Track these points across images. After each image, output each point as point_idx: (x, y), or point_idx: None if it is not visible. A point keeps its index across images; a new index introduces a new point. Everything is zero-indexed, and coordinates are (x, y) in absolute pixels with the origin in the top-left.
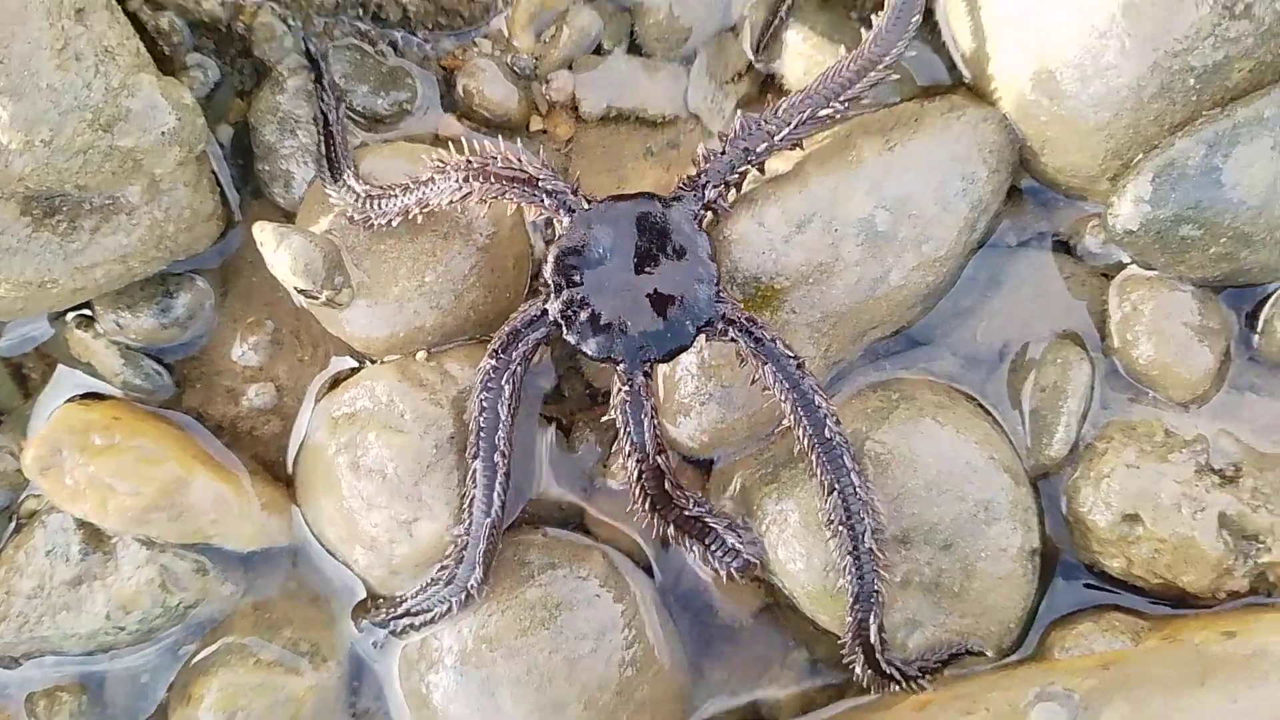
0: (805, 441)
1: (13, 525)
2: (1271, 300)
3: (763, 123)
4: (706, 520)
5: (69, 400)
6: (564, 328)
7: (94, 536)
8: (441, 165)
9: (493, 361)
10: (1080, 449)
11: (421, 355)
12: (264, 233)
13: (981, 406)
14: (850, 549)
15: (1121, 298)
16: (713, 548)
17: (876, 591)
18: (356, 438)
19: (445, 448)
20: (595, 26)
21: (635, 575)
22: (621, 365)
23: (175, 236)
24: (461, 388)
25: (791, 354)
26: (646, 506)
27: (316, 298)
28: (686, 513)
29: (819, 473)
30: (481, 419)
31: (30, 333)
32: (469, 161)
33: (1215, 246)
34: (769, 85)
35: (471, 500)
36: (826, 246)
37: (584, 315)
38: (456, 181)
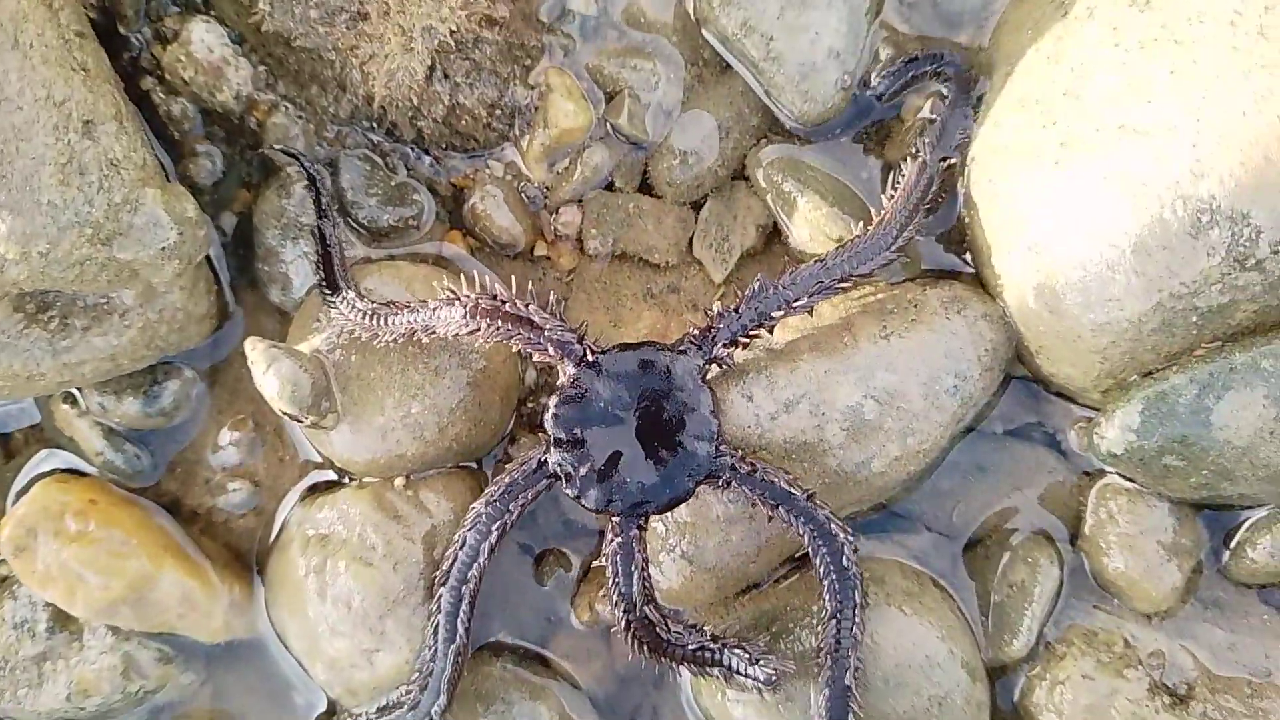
0: (820, 569)
1: None
2: (1246, 525)
3: (780, 288)
4: (713, 651)
5: (49, 475)
6: (563, 480)
7: (62, 616)
8: (453, 296)
9: (486, 509)
10: (1040, 646)
11: (399, 482)
12: (255, 352)
13: (949, 593)
14: (830, 679)
15: (1099, 503)
16: (733, 671)
17: None
18: (327, 564)
19: (413, 584)
20: (608, 165)
21: (587, 717)
22: (617, 517)
23: (167, 336)
24: (435, 522)
25: (800, 490)
26: (644, 652)
27: (301, 421)
28: (691, 648)
29: (826, 599)
30: (461, 553)
31: (14, 409)
32: (479, 299)
33: (1196, 477)
34: (774, 238)
35: (437, 627)
36: (812, 428)
37: (584, 469)
38: (464, 315)
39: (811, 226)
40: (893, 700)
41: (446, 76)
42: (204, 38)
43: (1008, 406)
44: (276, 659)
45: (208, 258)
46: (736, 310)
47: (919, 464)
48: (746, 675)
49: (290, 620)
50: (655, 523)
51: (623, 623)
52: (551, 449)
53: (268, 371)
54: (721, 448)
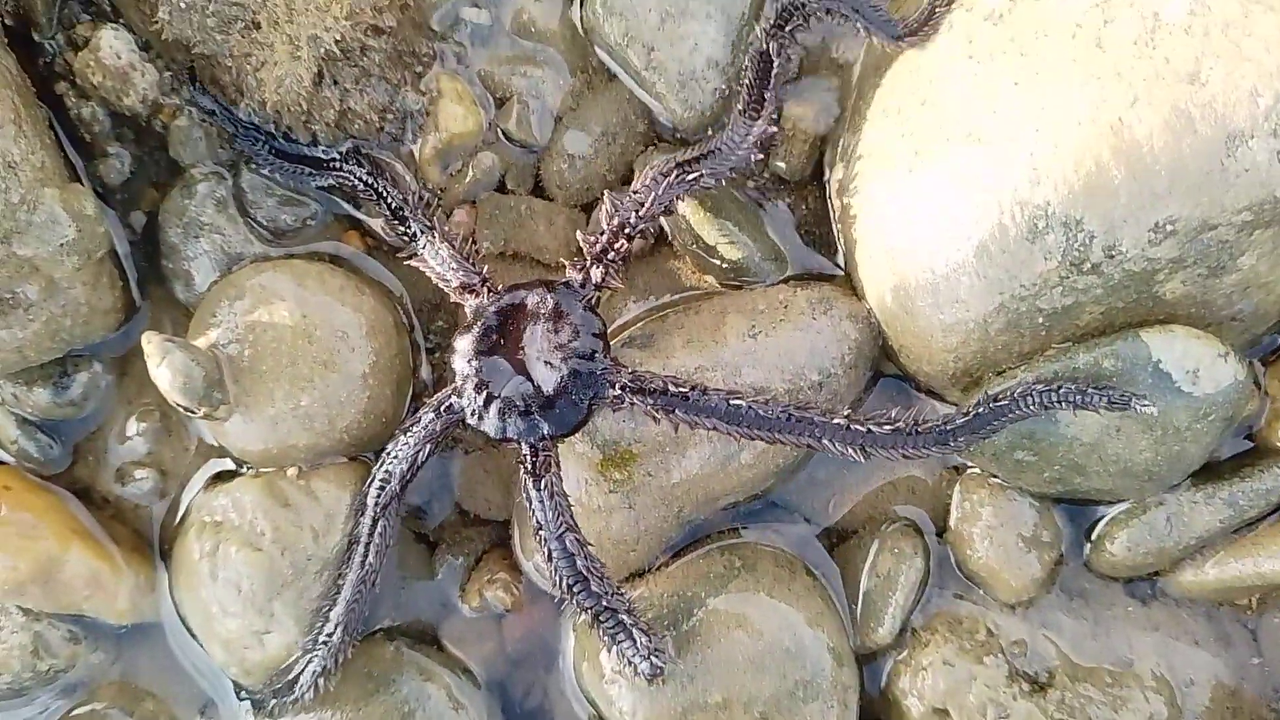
0: (755, 436)
1: None
2: (1105, 520)
3: (630, 195)
4: (621, 615)
5: None
6: (466, 411)
7: None
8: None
9: (404, 439)
10: (908, 633)
11: (292, 472)
12: (150, 345)
13: (820, 580)
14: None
15: (964, 496)
16: (623, 646)
17: None
18: (220, 548)
19: (301, 568)
20: (499, 168)
21: (475, 698)
22: (522, 444)
23: (72, 329)
24: (325, 511)
25: (686, 387)
26: (563, 588)
27: (194, 413)
28: (604, 602)
29: (795, 443)
30: (373, 490)
31: None
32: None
33: (1049, 471)
34: (661, 240)
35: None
36: None
37: (481, 398)
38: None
39: (688, 231)
40: (759, 681)
41: (336, 83)
42: (113, 44)
43: (879, 402)
44: (183, 640)
45: (114, 254)
46: (602, 232)
47: (787, 456)
48: (632, 661)
49: (189, 601)
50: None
51: (546, 553)
52: (460, 383)
53: (161, 364)
54: (609, 368)
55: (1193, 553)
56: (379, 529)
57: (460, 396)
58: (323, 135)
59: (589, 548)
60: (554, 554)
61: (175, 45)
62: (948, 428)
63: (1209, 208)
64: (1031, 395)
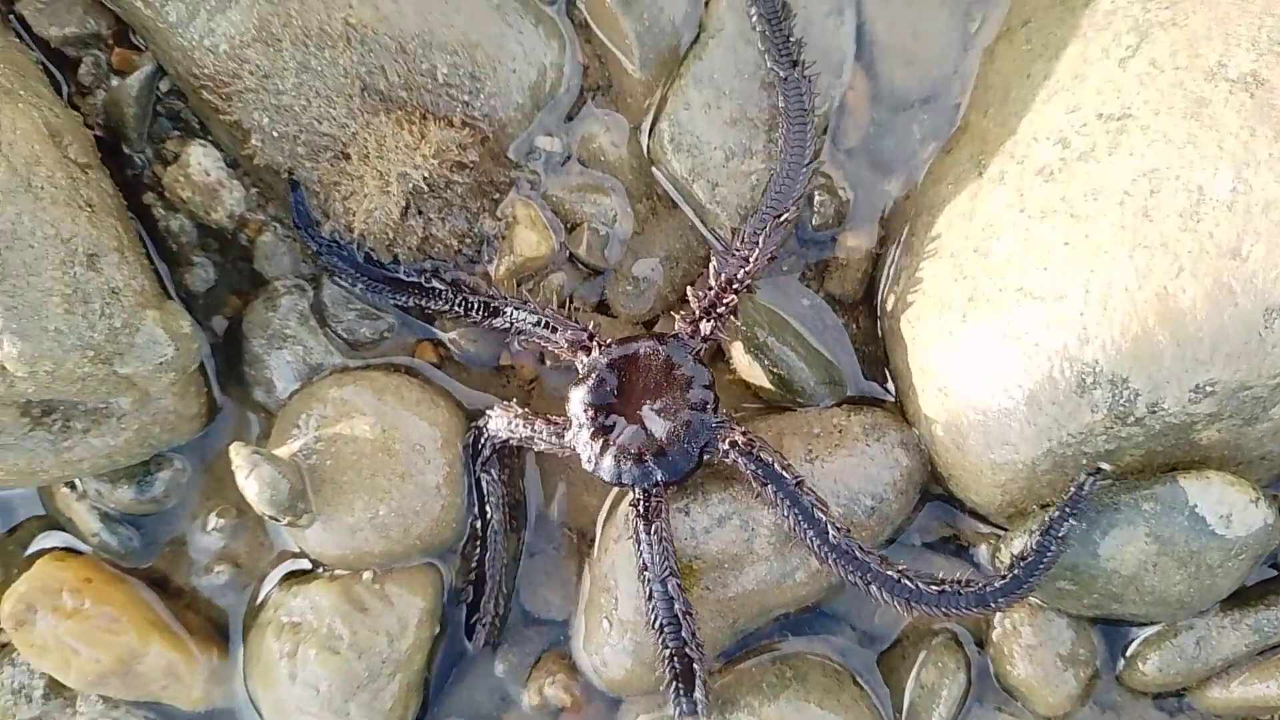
0: (816, 552)
1: None
2: (1138, 641)
3: (735, 251)
4: (695, 663)
5: (48, 552)
6: (583, 457)
7: (57, 683)
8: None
9: (516, 425)
10: None
11: (368, 576)
12: (238, 457)
13: (866, 690)
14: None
15: (1004, 615)
16: (680, 689)
17: None
18: (298, 649)
19: (376, 671)
20: (569, 288)
21: None
22: (633, 489)
23: (159, 435)
24: (398, 615)
25: (791, 475)
26: (656, 626)
27: (278, 521)
28: (687, 648)
29: (841, 574)
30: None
31: (17, 494)
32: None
33: (1088, 598)
34: (718, 357)
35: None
36: (741, 541)
37: (598, 446)
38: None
39: (749, 356)
40: None
41: (421, 213)
42: (201, 161)
43: (926, 520)
44: None
45: (199, 376)
46: (710, 288)
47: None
48: (689, 699)
49: (264, 695)
50: (604, 623)
51: (646, 593)
52: (575, 430)
53: (249, 476)
54: (720, 420)
55: (1219, 672)
56: (485, 485)
57: (577, 440)
58: (404, 257)
59: (687, 595)
60: (655, 594)
61: (266, 170)
62: (987, 590)
63: (1247, 373)
64: (1048, 540)
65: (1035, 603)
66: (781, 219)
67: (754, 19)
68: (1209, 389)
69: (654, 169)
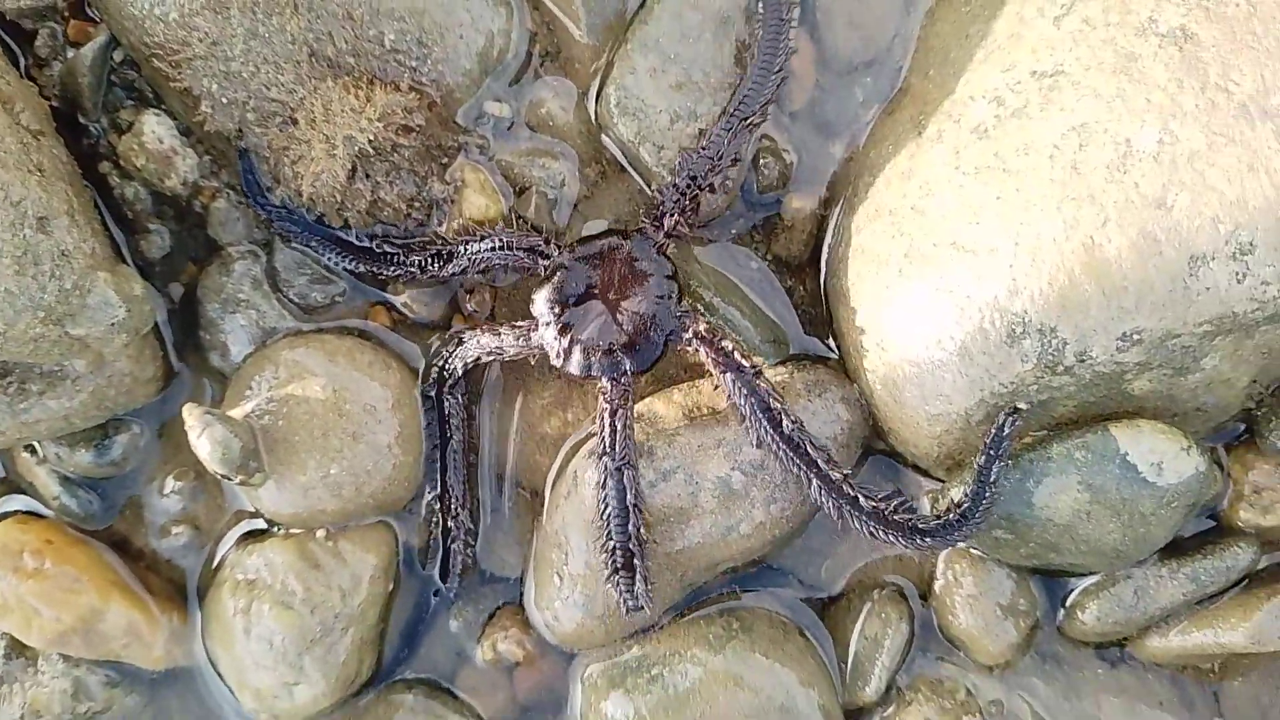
0: (768, 442)
1: None
2: (1078, 590)
3: (701, 150)
4: (636, 558)
5: (10, 516)
6: (551, 354)
7: (19, 644)
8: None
9: (481, 339)
10: (893, 691)
11: (321, 534)
12: (191, 417)
13: (812, 641)
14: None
15: (947, 565)
16: (620, 579)
17: None
18: (253, 605)
19: (329, 625)
20: (504, 276)
21: None
22: (604, 379)
23: (116, 398)
24: (351, 571)
25: (750, 364)
26: (604, 515)
27: (231, 480)
28: (631, 542)
29: (788, 466)
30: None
31: None
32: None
33: (1025, 548)
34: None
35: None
36: (686, 495)
37: (565, 341)
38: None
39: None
40: None
41: (368, 176)
42: (155, 129)
43: (870, 476)
44: (212, 685)
45: (155, 325)
46: (674, 184)
47: (783, 528)
48: (624, 595)
49: (222, 653)
50: (556, 577)
51: (601, 478)
52: (543, 327)
53: (201, 435)
54: (685, 311)
55: (1158, 622)
56: (448, 407)
57: (544, 338)
58: (354, 221)
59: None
60: (609, 482)
61: (216, 135)
62: (920, 526)
63: (1173, 321)
64: (980, 486)
65: (976, 554)
66: (748, 122)
67: None
68: (1136, 337)
69: (602, 134)
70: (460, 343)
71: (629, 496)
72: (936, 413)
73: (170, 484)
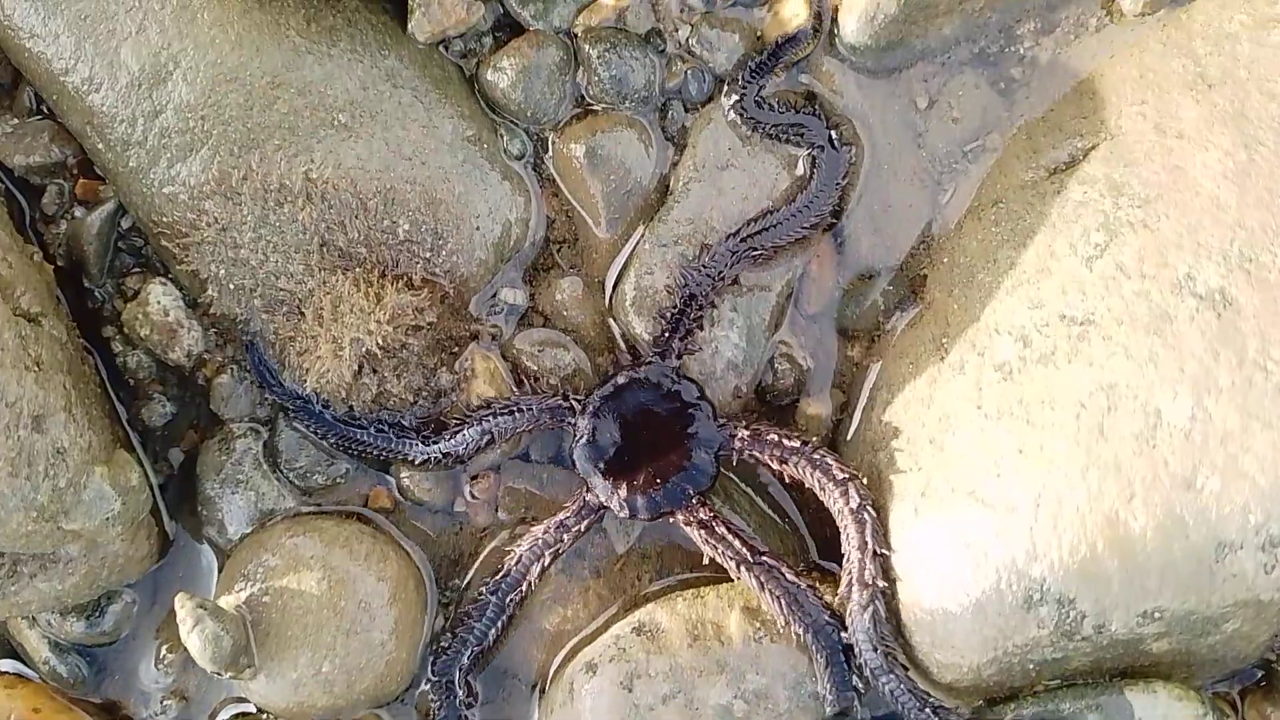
0: (835, 512)
1: None
2: None
3: (701, 268)
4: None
5: None
6: (615, 509)
7: None
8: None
9: (542, 536)
10: None
11: None
12: (183, 610)
13: None
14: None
15: None
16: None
17: None
18: None
19: None
20: (526, 441)
21: None
22: (677, 514)
23: (108, 577)
24: None
25: (800, 440)
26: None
27: (220, 675)
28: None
29: (844, 541)
30: (515, 567)
31: None
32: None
33: None
34: None
35: (472, 628)
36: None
37: (622, 493)
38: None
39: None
40: None
41: (375, 372)
42: (160, 300)
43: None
44: None
45: (148, 519)
46: (674, 307)
47: None
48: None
49: None
50: None
51: (756, 583)
52: (592, 487)
53: (192, 631)
54: (722, 423)
55: None
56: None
57: (597, 495)
58: (358, 409)
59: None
60: (763, 580)
61: (222, 318)
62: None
63: (1195, 603)
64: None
65: None
66: (756, 254)
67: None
68: (1156, 615)
69: (614, 325)
70: (524, 549)
71: (789, 577)
72: (946, 662)
73: (163, 654)
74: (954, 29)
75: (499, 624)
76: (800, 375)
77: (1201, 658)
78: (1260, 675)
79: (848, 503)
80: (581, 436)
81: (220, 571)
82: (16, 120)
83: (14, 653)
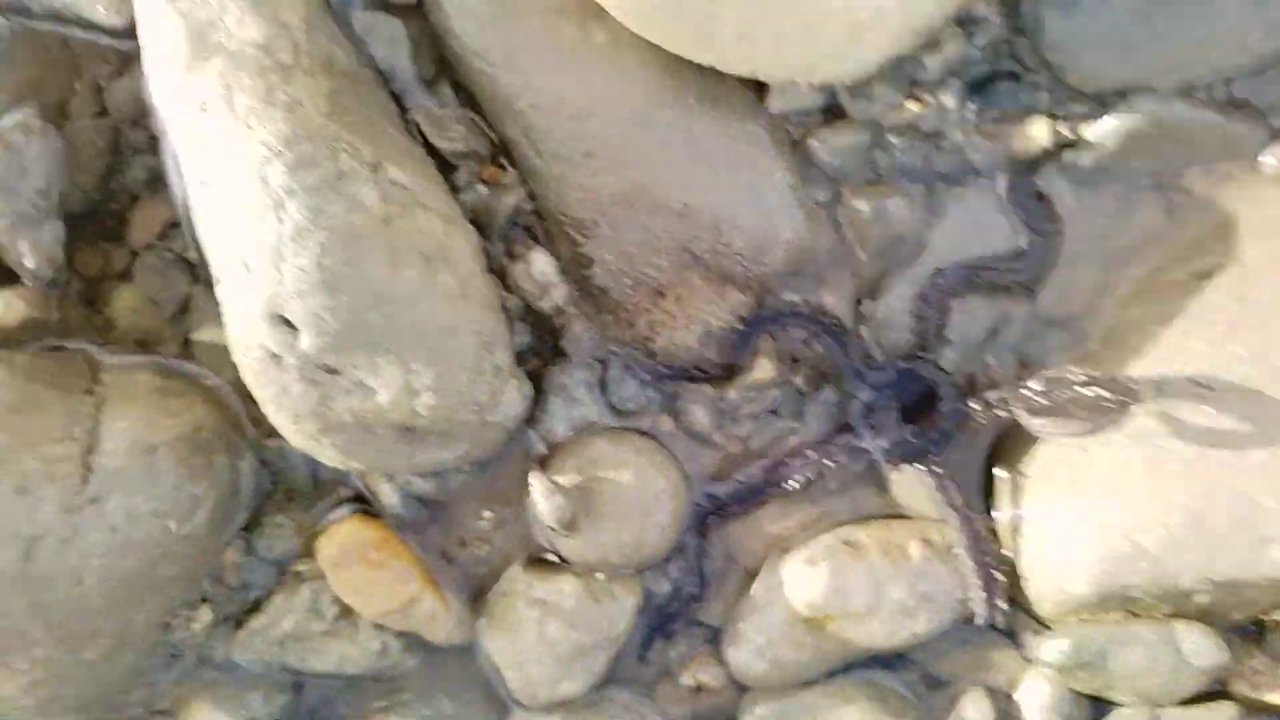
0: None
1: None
2: None
3: (936, 284)
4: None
5: (353, 514)
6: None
7: (346, 608)
8: None
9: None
10: None
11: (601, 576)
12: (538, 484)
13: None
14: None
15: None
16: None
17: None
18: (542, 618)
19: (596, 644)
20: (777, 399)
21: None
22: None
23: (480, 451)
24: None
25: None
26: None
27: (556, 531)
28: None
29: None
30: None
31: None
32: None
33: None
34: None
35: None
36: None
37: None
38: None
39: None
40: None
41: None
42: (542, 266)
43: None
44: (482, 663)
45: None
46: (929, 311)
47: None
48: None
49: (503, 644)
50: None
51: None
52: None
53: (546, 499)
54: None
55: None
56: None
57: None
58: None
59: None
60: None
61: (599, 289)
62: None
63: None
64: None
65: None
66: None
67: None
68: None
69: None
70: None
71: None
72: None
73: (485, 513)
74: (1142, 165)
75: (752, 504)
76: (989, 386)
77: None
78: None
79: None
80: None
81: (545, 458)
82: (442, 110)
83: (361, 497)
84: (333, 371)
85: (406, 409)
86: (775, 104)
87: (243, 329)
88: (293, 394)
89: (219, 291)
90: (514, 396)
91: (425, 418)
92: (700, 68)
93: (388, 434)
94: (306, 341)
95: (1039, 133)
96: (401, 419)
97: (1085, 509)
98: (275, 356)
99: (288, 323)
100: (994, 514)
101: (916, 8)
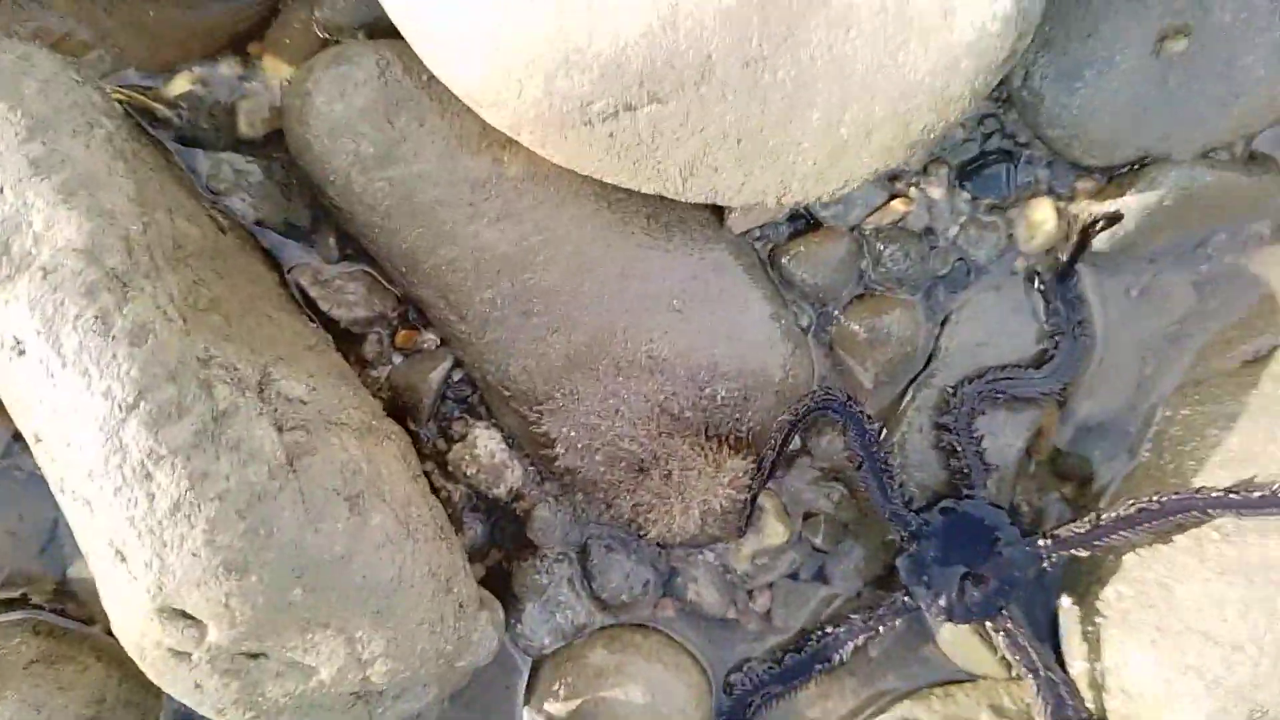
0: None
1: None
2: None
3: (959, 405)
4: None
5: None
6: (931, 617)
7: None
8: None
9: (861, 623)
10: None
11: None
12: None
13: None
14: None
15: None
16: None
17: None
18: None
19: None
20: (795, 562)
21: None
22: (985, 622)
23: (450, 689)
24: None
25: (1091, 525)
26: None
27: None
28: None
29: None
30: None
31: None
32: None
33: None
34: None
35: None
36: None
37: (942, 601)
38: None
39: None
40: None
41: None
42: (487, 444)
43: None
44: None
45: None
46: (958, 440)
47: None
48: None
49: None
50: None
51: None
52: (915, 595)
53: None
54: (1029, 543)
55: None
56: None
57: (921, 603)
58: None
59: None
60: (1040, 688)
61: (566, 471)
62: None
63: None
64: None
65: None
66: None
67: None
68: None
69: None
70: (841, 630)
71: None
72: None
73: None
74: (1166, 239)
75: (791, 686)
76: (1034, 516)
77: None
78: None
79: None
80: (906, 552)
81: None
82: (334, 274)
83: None
84: (257, 656)
85: (356, 681)
86: (738, 225)
87: (130, 624)
88: (209, 689)
89: (93, 566)
90: (486, 631)
91: (381, 685)
92: (644, 194)
93: (339, 702)
94: (216, 634)
95: (1043, 216)
96: (353, 689)
97: (1181, 661)
98: (179, 654)
99: (188, 615)
100: (1068, 665)
101: (914, 120)
